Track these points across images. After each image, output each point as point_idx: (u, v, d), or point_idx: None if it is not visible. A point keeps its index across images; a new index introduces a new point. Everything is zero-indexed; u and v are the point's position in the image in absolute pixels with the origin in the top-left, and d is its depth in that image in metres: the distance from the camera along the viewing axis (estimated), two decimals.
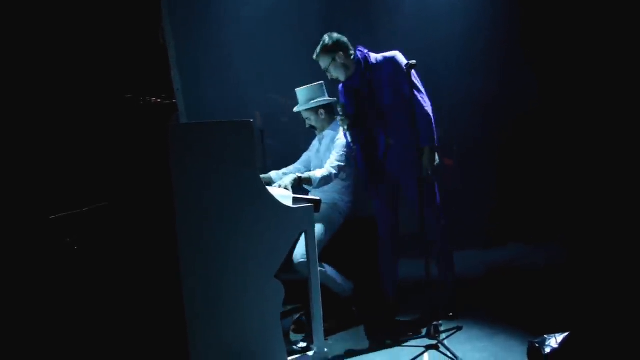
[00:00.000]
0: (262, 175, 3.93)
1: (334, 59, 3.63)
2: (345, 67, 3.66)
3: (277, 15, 5.36)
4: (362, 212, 4.04)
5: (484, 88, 5.30)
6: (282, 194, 3.06)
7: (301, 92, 3.97)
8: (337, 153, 3.81)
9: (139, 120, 3.06)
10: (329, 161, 3.80)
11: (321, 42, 3.66)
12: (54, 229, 2.77)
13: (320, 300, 3.00)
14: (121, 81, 3.15)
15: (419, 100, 3.55)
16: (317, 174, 3.69)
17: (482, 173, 5.38)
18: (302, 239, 3.22)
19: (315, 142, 4.17)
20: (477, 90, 5.30)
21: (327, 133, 4.02)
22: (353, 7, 5.72)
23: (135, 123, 3.05)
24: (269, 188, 2.95)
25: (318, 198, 3.09)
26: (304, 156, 4.22)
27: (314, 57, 3.70)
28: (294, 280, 3.41)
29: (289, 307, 3.66)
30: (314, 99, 3.95)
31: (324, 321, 3.02)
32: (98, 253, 2.87)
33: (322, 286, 3.12)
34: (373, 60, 3.66)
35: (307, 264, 3.00)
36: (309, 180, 3.65)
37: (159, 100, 3.18)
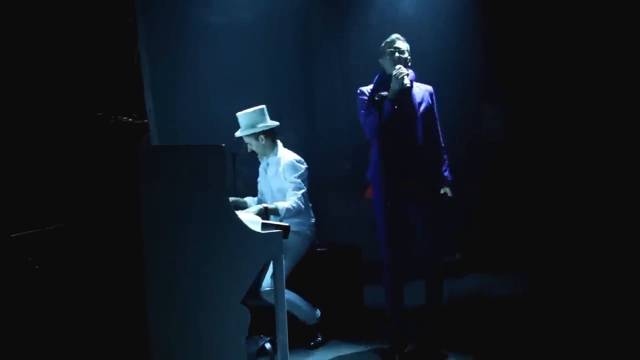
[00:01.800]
0: (237, 199, 3.96)
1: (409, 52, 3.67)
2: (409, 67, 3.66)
3: (252, 40, 5.41)
4: (326, 238, 4.06)
5: (457, 124, 5.38)
6: (251, 219, 3.06)
7: (242, 117, 3.90)
8: (293, 182, 3.80)
9: (109, 138, 3.04)
10: (288, 192, 3.79)
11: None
12: (14, 247, 2.72)
13: (286, 328, 2.98)
14: (93, 99, 3.13)
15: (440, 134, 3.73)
16: (284, 204, 3.71)
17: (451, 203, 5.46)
18: (269, 265, 3.21)
19: (260, 170, 4.10)
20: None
21: (272, 160, 3.96)
22: (325, 31, 5.80)
23: (105, 141, 3.03)
24: (238, 213, 2.94)
25: (287, 224, 3.10)
26: (259, 185, 4.16)
27: (400, 38, 3.67)
28: (260, 306, 3.40)
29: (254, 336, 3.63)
30: (254, 125, 3.88)
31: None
32: (60, 273, 2.81)
33: (288, 313, 3.11)
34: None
35: (274, 291, 2.99)
36: (275, 211, 3.67)
37: (130, 119, 3.17)
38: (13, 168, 2.81)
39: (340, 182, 5.58)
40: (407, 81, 3.47)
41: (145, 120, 3.34)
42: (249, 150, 4.03)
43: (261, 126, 3.89)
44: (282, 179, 3.87)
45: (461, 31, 5.39)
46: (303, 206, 3.77)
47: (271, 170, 3.96)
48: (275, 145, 3.98)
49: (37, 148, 2.86)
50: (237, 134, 3.95)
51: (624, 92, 4.83)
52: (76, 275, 2.84)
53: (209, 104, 5.28)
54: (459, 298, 4.71)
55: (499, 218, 5.39)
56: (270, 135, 3.95)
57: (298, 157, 3.91)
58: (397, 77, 3.47)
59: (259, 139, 3.92)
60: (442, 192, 3.67)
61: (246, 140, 3.97)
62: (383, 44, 3.69)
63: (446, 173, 3.71)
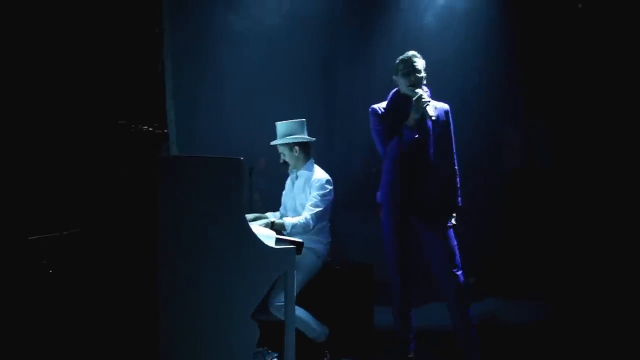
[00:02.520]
0: (259, 215, 3.96)
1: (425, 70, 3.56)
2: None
3: (276, 57, 5.44)
4: (338, 256, 4.04)
5: (477, 145, 5.36)
6: (265, 233, 3.06)
7: (280, 125, 3.95)
8: (315, 198, 3.80)
9: (128, 146, 3.07)
10: (306, 207, 3.79)
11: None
12: (31, 250, 2.74)
13: (294, 345, 2.97)
14: (115, 107, 3.17)
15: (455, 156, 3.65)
16: (292, 220, 3.72)
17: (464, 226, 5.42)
18: (280, 281, 3.20)
19: (288, 182, 4.12)
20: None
21: (302, 173, 3.96)
22: (353, 55, 5.81)
23: (125, 149, 3.06)
24: (252, 227, 2.95)
25: (301, 241, 3.09)
26: (283, 198, 4.16)
27: (417, 55, 3.55)
28: (269, 321, 3.39)
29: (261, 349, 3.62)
30: (291, 135, 3.92)
31: None
32: (75, 279, 2.83)
33: (297, 330, 3.09)
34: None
35: (285, 307, 2.98)
36: (281, 226, 3.68)
37: (150, 129, 3.20)
38: (33, 172, 2.86)
39: (354, 200, 5.56)
40: (432, 112, 3.34)
41: (166, 130, 3.37)
42: (281, 160, 4.03)
43: (298, 137, 3.92)
44: (307, 194, 3.87)
45: (486, 50, 5.36)
46: (312, 224, 3.74)
47: (299, 184, 3.96)
48: (308, 160, 3.98)
49: (58, 154, 2.90)
50: (273, 142, 3.98)
51: None
52: (91, 280, 2.86)
53: (231, 115, 5.32)
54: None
55: (517, 242, 5.34)
56: (305, 148, 3.97)
57: (328, 177, 3.90)
58: (419, 106, 3.35)
59: (294, 150, 3.94)
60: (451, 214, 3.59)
61: (280, 149, 3.99)
62: (398, 61, 3.56)
63: (458, 199, 3.62)
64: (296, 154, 3.95)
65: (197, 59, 5.21)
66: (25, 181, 2.85)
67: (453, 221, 3.60)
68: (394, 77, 3.59)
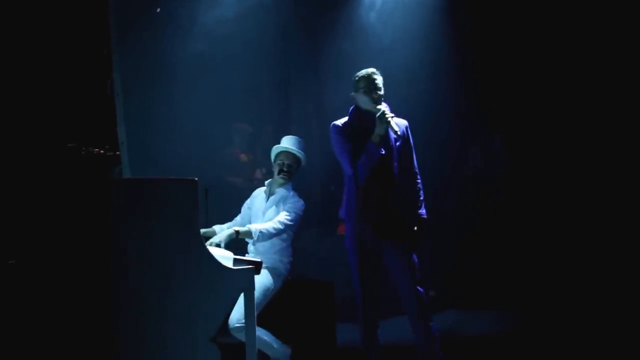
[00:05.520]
0: (206, 230, 3.91)
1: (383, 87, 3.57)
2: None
3: (227, 72, 5.41)
4: (298, 274, 4.02)
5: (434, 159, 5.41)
6: (222, 254, 3.01)
7: (293, 139, 4.03)
8: (290, 211, 3.80)
9: (79, 169, 3.00)
10: (279, 216, 3.77)
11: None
12: None
13: None
14: (64, 129, 3.10)
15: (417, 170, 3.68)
16: (258, 226, 3.66)
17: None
18: (239, 301, 3.15)
19: (258, 194, 4.10)
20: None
21: (280, 190, 3.96)
22: (301, 64, 5.82)
23: (75, 172, 2.99)
24: (209, 248, 2.90)
25: (259, 260, 3.06)
26: (244, 210, 4.14)
27: (376, 72, 3.57)
28: (230, 343, 3.33)
29: None
30: (299, 151, 3.99)
31: None
32: (27, 303, 2.74)
33: (259, 351, 3.04)
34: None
35: (245, 328, 2.93)
36: (248, 234, 3.63)
37: (101, 151, 3.14)
38: None
39: (312, 217, 5.54)
40: (396, 128, 3.38)
41: (117, 152, 3.31)
42: (277, 169, 4.00)
43: (303, 155, 4.00)
44: (279, 211, 3.85)
45: (437, 61, 5.44)
46: (282, 230, 3.72)
47: (274, 199, 3.94)
48: (291, 180, 4.01)
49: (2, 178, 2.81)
50: (293, 150, 3.97)
51: (606, 123, 4.95)
52: (41, 307, 2.76)
53: (184, 137, 5.25)
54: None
55: (475, 255, 5.39)
56: (296, 170, 4.03)
57: (304, 203, 3.93)
58: (383, 121, 3.38)
59: (299, 166, 4.01)
60: (414, 229, 3.60)
61: (290, 160, 3.97)
62: (357, 78, 3.56)
63: (422, 211, 3.64)
64: (295, 169, 4.00)
65: (148, 79, 5.13)
66: None
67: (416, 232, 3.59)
68: (352, 93, 3.56)
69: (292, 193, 3.95)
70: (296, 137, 4.08)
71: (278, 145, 4.04)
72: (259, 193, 4.11)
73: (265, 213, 3.94)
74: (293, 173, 4.00)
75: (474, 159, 5.77)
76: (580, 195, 5.03)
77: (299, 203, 3.88)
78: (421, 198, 3.65)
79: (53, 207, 2.89)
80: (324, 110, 5.54)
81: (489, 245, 5.36)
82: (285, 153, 3.99)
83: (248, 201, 4.15)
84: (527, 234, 5.21)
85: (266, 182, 4.11)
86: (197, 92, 5.25)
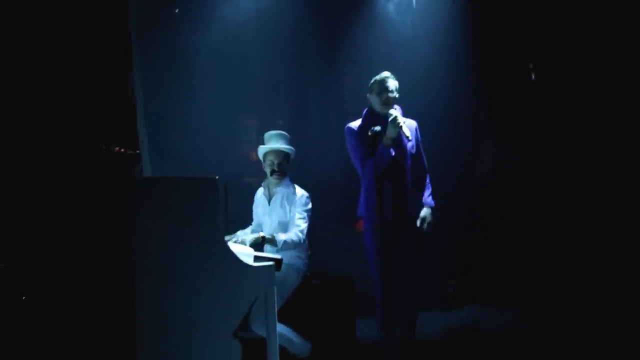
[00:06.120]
0: (228, 236, 3.89)
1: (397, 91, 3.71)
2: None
3: (248, 73, 5.43)
4: (319, 270, 4.04)
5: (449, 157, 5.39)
6: (243, 251, 3.04)
7: (277, 135, 3.90)
8: (300, 214, 3.80)
9: (100, 168, 3.04)
10: (292, 224, 3.78)
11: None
12: None
13: None
14: (85, 129, 3.14)
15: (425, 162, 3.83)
16: (283, 236, 3.69)
17: (442, 235, 5.45)
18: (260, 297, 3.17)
19: (260, 198, 4.06)
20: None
21: (279, 190, 3.91)
22: (320, 62, 5.82)
23: (96, 171, 3.03)
24: (230, 244, 2.92)
25: (279, 257, 3.08)
26: (256, 215, 4.11)
27: (390, 76, 3.71)
28: (252, 338, 3.36)
29: None
30: (288, 146, 3.90)
31: None
32: (48, 299, 2.79)
33: (280, 346, 3.07)
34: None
35: (266, 324, 2.95)
36: (273, 242, 3.66)
37: (122, 150, 3.18)
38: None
39: (331, 214, 5.55)
40: (407, 133, 3.52)
41: (138, 151, 3.34)
42: (270, 169, 3.89)
43: (292, 149, 3.92)
44: (287, 210, 3.85)
45: (453, 65, 5.42)
46: (303, 239, 3.77)
47: (277, 200, 3.91)
48: (286, 176, 3.95)
49: (26, 177, 2.86)
50: (283, 147, 3.88)
51: (615, 127, 4.91)
52: (65, 301, 2.81)
53: (203, 135, 5.28)
54: (453, 330, 4.68)
55: (493, 251, 5.38)
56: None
57: (307, 193, 3.90)
58: (395, 125, 3.52)
59: (289, 160, 3.93)
60: (422, 214, 3.71)
61: (279, 158, 3.87)
62: (373, 81, 3.74)
63: (429, 198, 3.79)
64: (286, 165, 3.92)
65: (168, 77, 5.16)
66: None
67: (428, 217, 3.73)
68: (368, 95, 3.76)
69: (292, 188, 3.90)
70: (279, 131, 3.95)
71: (263, 146, 3.92)
72: (259, 196, 4.08)
73: (272, 216, 3.92)
74: (285, 169, 3.92)
75: (491, 153, 5.74)
76: (602, 194, 5.01)
77: (305, 198, 3.85)
78: (429, 190, 3.82)
79: (76, 206, 2.93)
80: (343, 108, 5.54)
81: (508, 242, 5.35)
82: (273, 152, 3.89)
83: (253, 206, 4.14)
84: (546, 231, 5.19)
85: (262, 184, 4.06)
86: (215, 90, 5.27)
